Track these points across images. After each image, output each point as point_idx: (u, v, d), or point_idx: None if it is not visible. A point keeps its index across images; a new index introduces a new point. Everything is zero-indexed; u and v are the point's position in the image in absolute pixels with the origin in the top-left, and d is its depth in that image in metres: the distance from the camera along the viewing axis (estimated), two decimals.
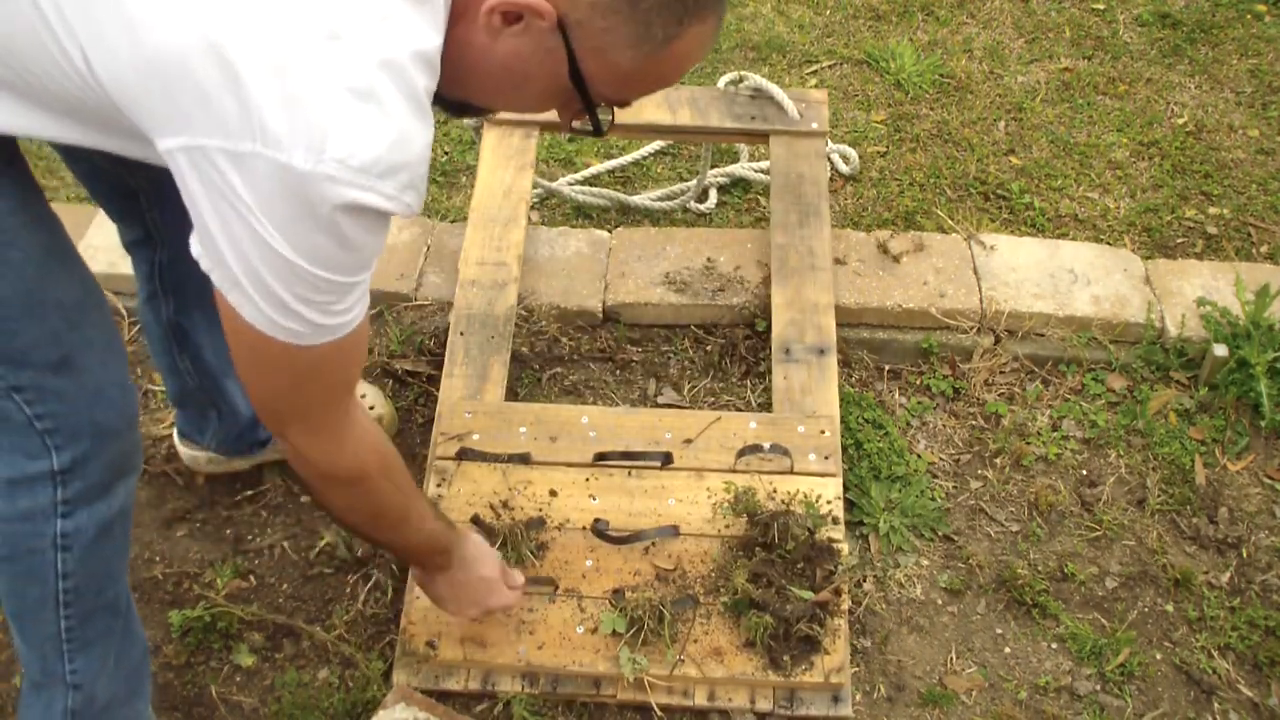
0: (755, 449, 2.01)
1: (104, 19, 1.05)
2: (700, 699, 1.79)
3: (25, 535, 1.42)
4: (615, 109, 1.24)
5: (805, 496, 1.92)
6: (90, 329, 1.38)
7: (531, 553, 1.86)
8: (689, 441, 2.03)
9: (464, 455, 2.00)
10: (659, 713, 1.78)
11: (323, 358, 1.19)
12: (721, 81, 2.82)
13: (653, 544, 1.89)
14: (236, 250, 1.08)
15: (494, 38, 1.14)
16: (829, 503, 1.93)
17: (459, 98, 1.20)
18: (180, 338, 1.84)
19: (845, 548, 1.87)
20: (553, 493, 1.96)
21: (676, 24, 1.12)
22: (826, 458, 2.00)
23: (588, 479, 1.98)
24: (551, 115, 2.62)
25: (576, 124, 1.25)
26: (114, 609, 1.55)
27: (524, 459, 2.00)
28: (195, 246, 1.13)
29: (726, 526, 1.91)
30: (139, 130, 1.10)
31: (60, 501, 1.40)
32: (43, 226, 1.33)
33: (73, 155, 1.59)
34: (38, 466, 1.38)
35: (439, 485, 1.97)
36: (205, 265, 1.13)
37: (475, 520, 1.89)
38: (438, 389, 2.15)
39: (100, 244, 2.39)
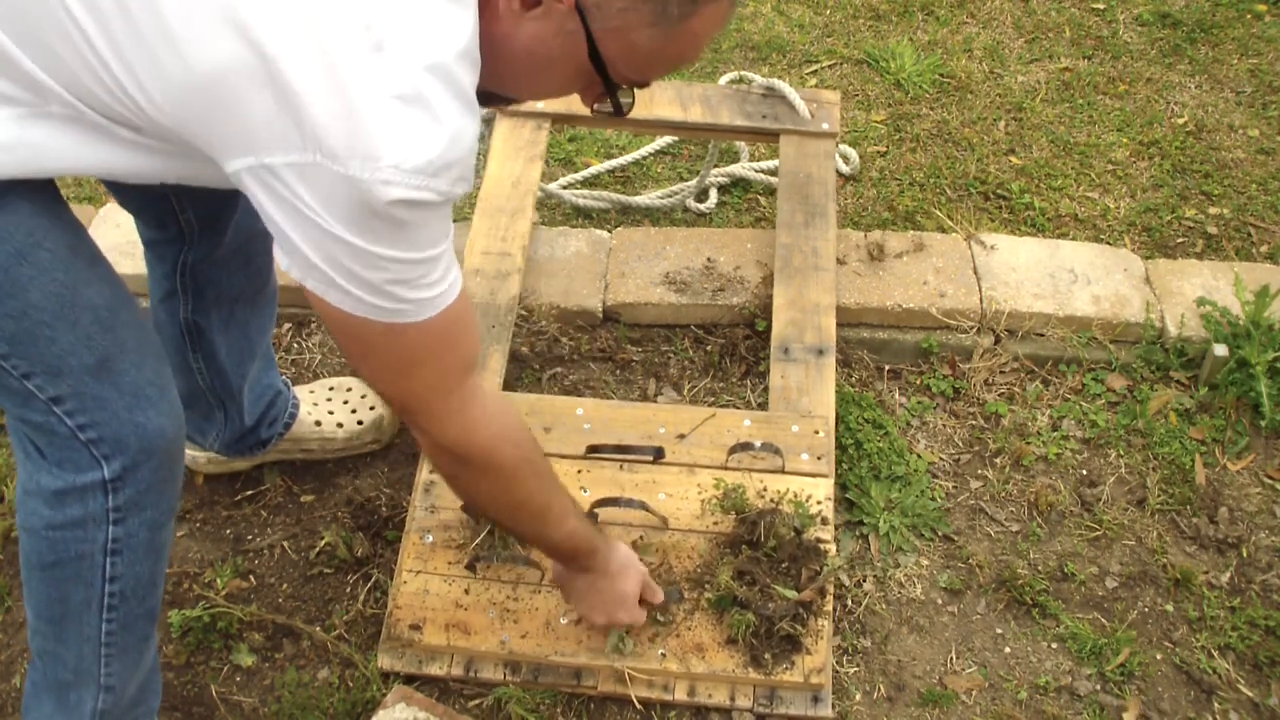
0: (747, 446, 2.01)
1: (152, 42, 1.08)
2: (680, 694, 1.79)
3: (74, 541, 1.39)
4: (634, 93, 1.27)
5: (795, 496, 1.92)
6: (123, 330, 1.36)
7: (519, 543, 1.86)
8: (682, 437, 2.03)
9: None
10: (638, 706, 1.79)
11: (431, 334, 1.24)
12: (722, 81, 2.82)
13: (640, 538, 1.90)
14: (319, 251, 1.14)
15: (515, 24, 1.16)
16: (819, 503, 1.93)
17: (484, 88, 1.22)
18: (196, 336, 1.83)
19: (833, 548, 1.87)
20: None
21: (691, 2, 1.15)
22: (819, 458, 2.00)
23: (579, 471, 1.98)
24: (561, 107, 2.62)
25: (598, 106, 1.28)
26: (152, 616, 1.54)
27: None
28: (282, 259, 1.18)
29: (715, 523, 1.92)
30: (202, 154, 1.15)
31: (112, 509, 1.38)
32: (68, 228, 1.33)
33: None
34: (87, 478, 1.36)
35: (431, 473, 1.97)
36: (296, 274, 1.18)
37: (464, 509, 1.89)
38: None
39: (101, 245, 2.37)
